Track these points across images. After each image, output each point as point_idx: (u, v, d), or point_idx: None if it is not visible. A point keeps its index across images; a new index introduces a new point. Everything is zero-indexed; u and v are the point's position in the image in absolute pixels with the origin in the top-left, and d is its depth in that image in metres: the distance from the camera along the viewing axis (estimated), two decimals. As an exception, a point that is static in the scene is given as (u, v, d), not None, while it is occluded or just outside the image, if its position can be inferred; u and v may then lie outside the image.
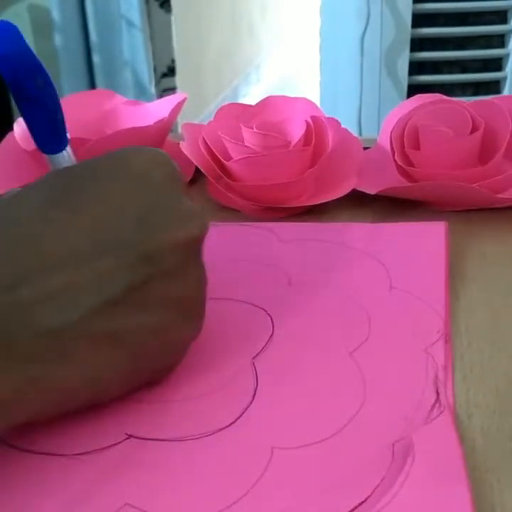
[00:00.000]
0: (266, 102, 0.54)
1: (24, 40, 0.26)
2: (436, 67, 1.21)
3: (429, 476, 0.25)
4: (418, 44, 1.19)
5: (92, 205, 0.28)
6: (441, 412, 0.29)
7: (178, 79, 1.77)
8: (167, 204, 0.30)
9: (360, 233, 0.44)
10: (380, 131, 0.54)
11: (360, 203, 0.50)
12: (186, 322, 0.31)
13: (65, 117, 0.56)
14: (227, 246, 0.44)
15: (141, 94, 1.69)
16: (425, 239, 0.43)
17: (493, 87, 1.23)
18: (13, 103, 1.45)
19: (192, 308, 0.31)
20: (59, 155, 0.30)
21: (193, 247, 0.30)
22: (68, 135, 0.31)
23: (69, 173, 0.30)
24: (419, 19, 1.17)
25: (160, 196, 0.30)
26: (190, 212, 0.30)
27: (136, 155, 0.31)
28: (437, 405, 0.29)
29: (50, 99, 0.28)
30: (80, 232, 0.27)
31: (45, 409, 0.28)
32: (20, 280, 0.26)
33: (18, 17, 1.54)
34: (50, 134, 0.30)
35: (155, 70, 1.71)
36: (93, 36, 1.66)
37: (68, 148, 0.31)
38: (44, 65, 0.27)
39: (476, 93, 1.21)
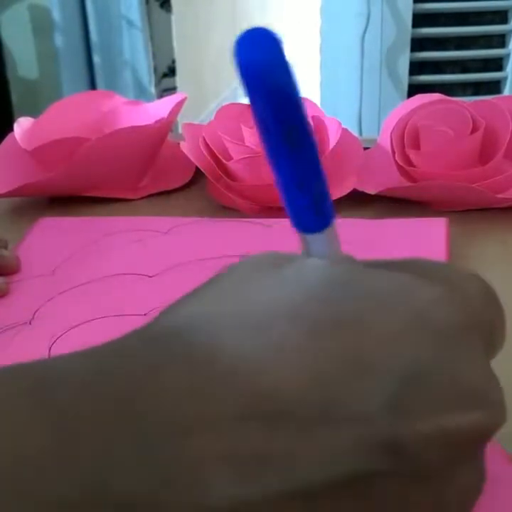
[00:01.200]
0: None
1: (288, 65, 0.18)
2: (436, 67, 1.21)
3: None
4: (418, 44, 1.19)
5: (339, 335, 0.19)
6: None
7: (178, 79, 1.77)
8: (446, 368, 0.19)
9: (361, 228, 0.44)
10: (381, 131, 0.54)
11: (360, 203, 0.50)
12: None
13: (66, 118, 0.56)
14: (226, 240, 0.44)
15: (141, 94, 1.69)
16: (426, 233, 0.43)
17: (494, 87, 1.23)
18: (13, 103, 1.45)
19: None
20: (317, 235, 0.20)
21: (471, 445, 0.19)
22: (334, 209, 0.21)
23: (330, 295, 0.20)
24: (419, 19, 1.17)
25: (438, 354, 0.19)
26: (479, 388, 0.19)
27: (419, 286, 0.20)
28: None
29: (311, 152, 0.19)
30: (307, 376, 0.18)
31: None
32: (199, 426, 0.17)
33: (18, 17, 1.54)
34: (307, 203, 0.20)
35: (155, 70, 1.71)
36: (93, 36, 1.67)
37: (333, 227, 0.21)
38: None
39: (476, 93, 1.22)
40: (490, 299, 0.22)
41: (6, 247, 0.45)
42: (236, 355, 0.18)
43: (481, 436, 0.19)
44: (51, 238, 0.47)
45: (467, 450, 0.19)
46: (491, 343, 0.22)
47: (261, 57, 0.17)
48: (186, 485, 0.17)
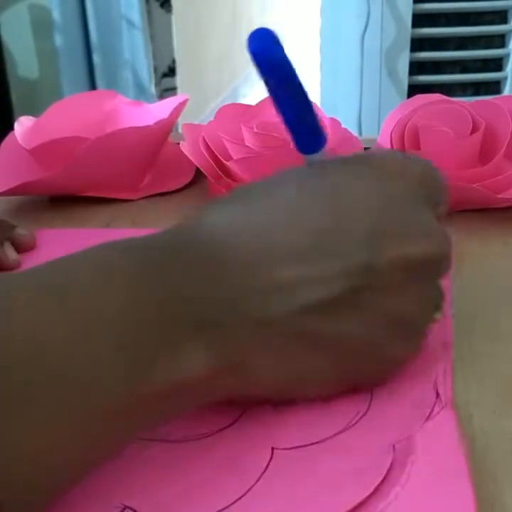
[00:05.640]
0: (266, 102, 0.54)
1: (281, 47, 0.27)
2: (436, 67, 1.21)
3: (431, 473, 0.25)
4: (418, 44, 1.19)
5: (322, 203, 0.28)
6: (442, 408, 0.28)
7: (179, 79, 1.77)
8: (406, 215, 0.28)
9: None
10: (380, 131, 0.54)
11: (360, 203, 0.50)
12: (400, 340, 0.29)
13: (67, 118, 0.56)
14: None
15: (141, 94, 1.69)
16: None
17: (494, 87, 1.23)
18: (13, 103, 1.46)
19: (408, 327, 0.29)
20: (315, 155, 0.30)
21: (425, 267, 0.28)
22: (326, 135, 0.31)
23: (314, 169, 0.29)
24: (419, 19, 1.17)
25: (401, 206, 0.28)
26: (427, 228, 0.29)
27: (391, 156, 0.31)
28: (438, 403, 0.29)
29: (302, 99, 0.28)
30: (302, 231, 0.27)
31: (239, 392, 0.28)
32: (249, 266, 0.26)
33: (18, 17, 1.54)
34: (305, 134, 0.29)
35: (155, 70, 1.71)
36: (93, 36, 1.67)
37: (324, 150, 0.30)
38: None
39: (476, 93, 1.22)
40: (430, 175, 0.31)
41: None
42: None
43: (431, 260, 0.28)
44: (49, 247, 0.47)
45: (422, 271, 0.28)
46: (435, 204, 0.30)
47: (267, 45, 0.27)
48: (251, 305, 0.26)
